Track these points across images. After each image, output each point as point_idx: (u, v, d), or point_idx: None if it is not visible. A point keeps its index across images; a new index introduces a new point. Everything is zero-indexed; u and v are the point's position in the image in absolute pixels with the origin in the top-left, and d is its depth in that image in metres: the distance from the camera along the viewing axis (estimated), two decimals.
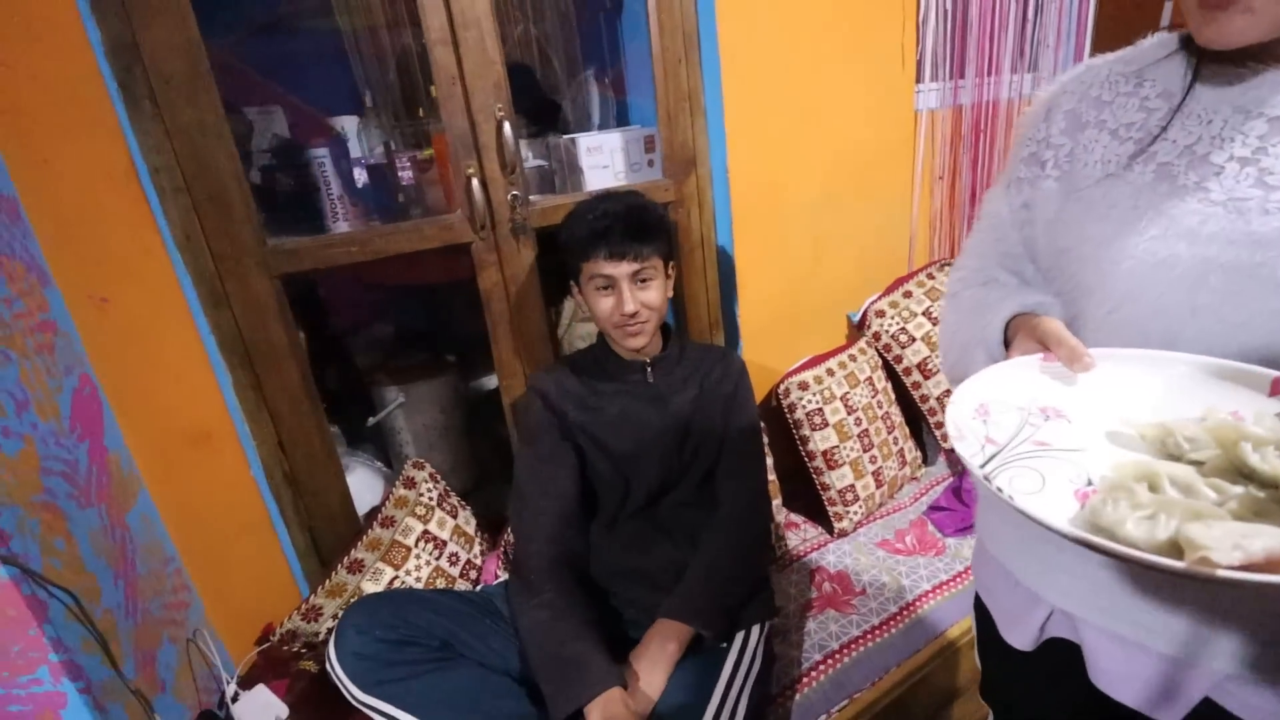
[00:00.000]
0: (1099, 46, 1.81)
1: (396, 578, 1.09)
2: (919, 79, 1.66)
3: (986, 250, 0.74)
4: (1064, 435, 0.52)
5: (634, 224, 1.05)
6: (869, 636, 1.23)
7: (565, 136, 1.43)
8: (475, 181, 1.16)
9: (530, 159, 1.57)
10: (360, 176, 1.47)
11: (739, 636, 1.02)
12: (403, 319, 1.81)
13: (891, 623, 1.25)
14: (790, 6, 1.39)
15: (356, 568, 1.09)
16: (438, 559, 1.14)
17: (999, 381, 0.56)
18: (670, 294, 1.16)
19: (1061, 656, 0.74)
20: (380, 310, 1.82)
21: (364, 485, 1.40)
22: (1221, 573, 0.34)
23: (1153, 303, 0.54)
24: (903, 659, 1.19)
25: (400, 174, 1.50)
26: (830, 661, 1.18)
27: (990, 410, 0.54)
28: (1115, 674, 0.69)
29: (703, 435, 1.15)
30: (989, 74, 1.74)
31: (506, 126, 1.15)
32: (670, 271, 1.16)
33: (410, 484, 1.20)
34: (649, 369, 1.16)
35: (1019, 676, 0.80)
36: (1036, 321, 0.57)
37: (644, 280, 1.08)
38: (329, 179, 1.27)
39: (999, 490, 0.44)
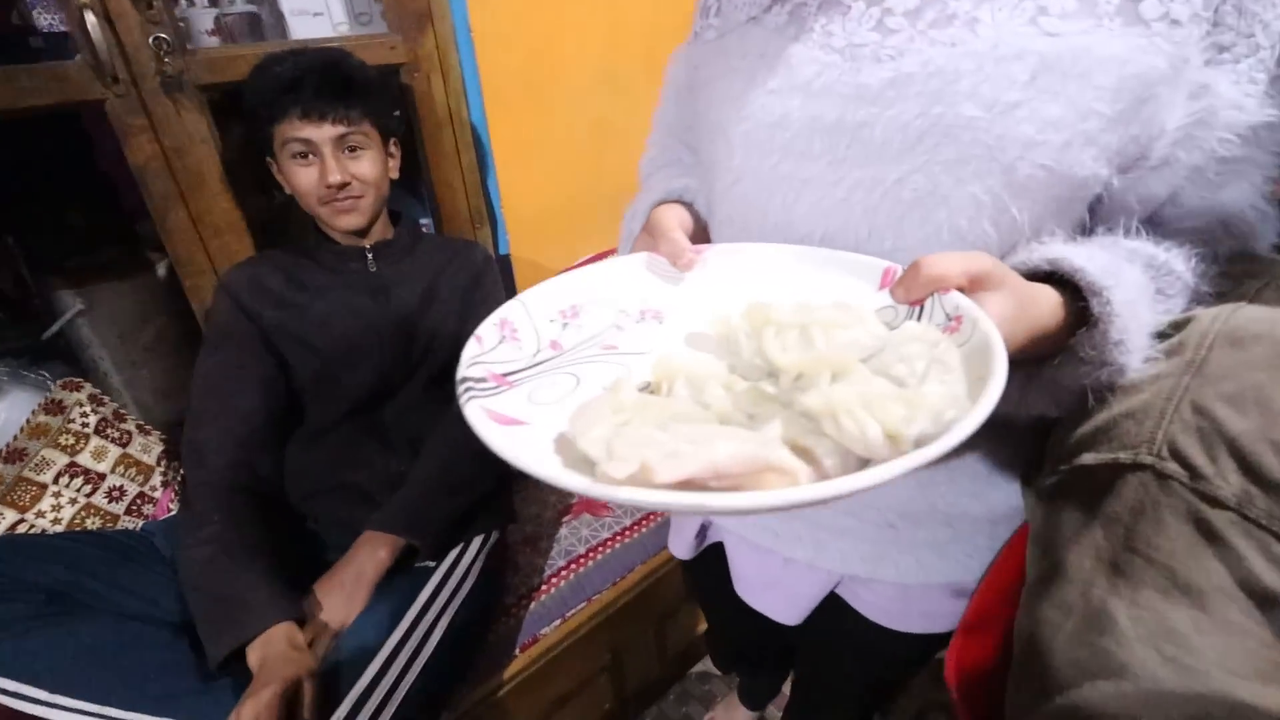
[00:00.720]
0: None
1: (22, 521, 0.89)
2: None
3: (670, 123, 0.65)
4: (642, 338, 0.44)
5: (335, 79, 0.91)
6: (618, 538, 1.22)
7: None
8: (91, 16, 0.87)
9: (239, 3, 1.26)
10: None
11: (453, 552, 0.95)
12: (94, 204, 1.46)
13: (642, 524, 1.25)
14: None
15: None
16: (90, 495, 0.95)
17: (606, 279, 0.47)
18: (395, 175, 1.04)
19: (719, 564, 0.72)
20: (66, 192, 1.46)
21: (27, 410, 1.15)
22: (620, 492, 0.27)
23: (768, 173, 0.47)
24: (647, 557, 1.20)
25: (35, 14, 1.15)
26: (574, 566, 1.16)
27: (581, 311, 0.45)
28: (750, 580, 0.69)
29: (433, 333, 1.04)
30: None
31: None
32: (393, 148, 1.03)
33: (56, 409, 0.98)
34: (369, 256, 1.03)
35: (694, 584, 0.80)
36: (657, 212, 0.50)
37: (353, 149, 0.94)
38: None
39: (466, 406, 0.34)
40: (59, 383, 1.01)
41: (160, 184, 1.00)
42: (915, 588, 0.57)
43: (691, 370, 0.36)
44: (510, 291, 1.19)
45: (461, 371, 0.38)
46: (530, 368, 0.41)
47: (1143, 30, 0.38)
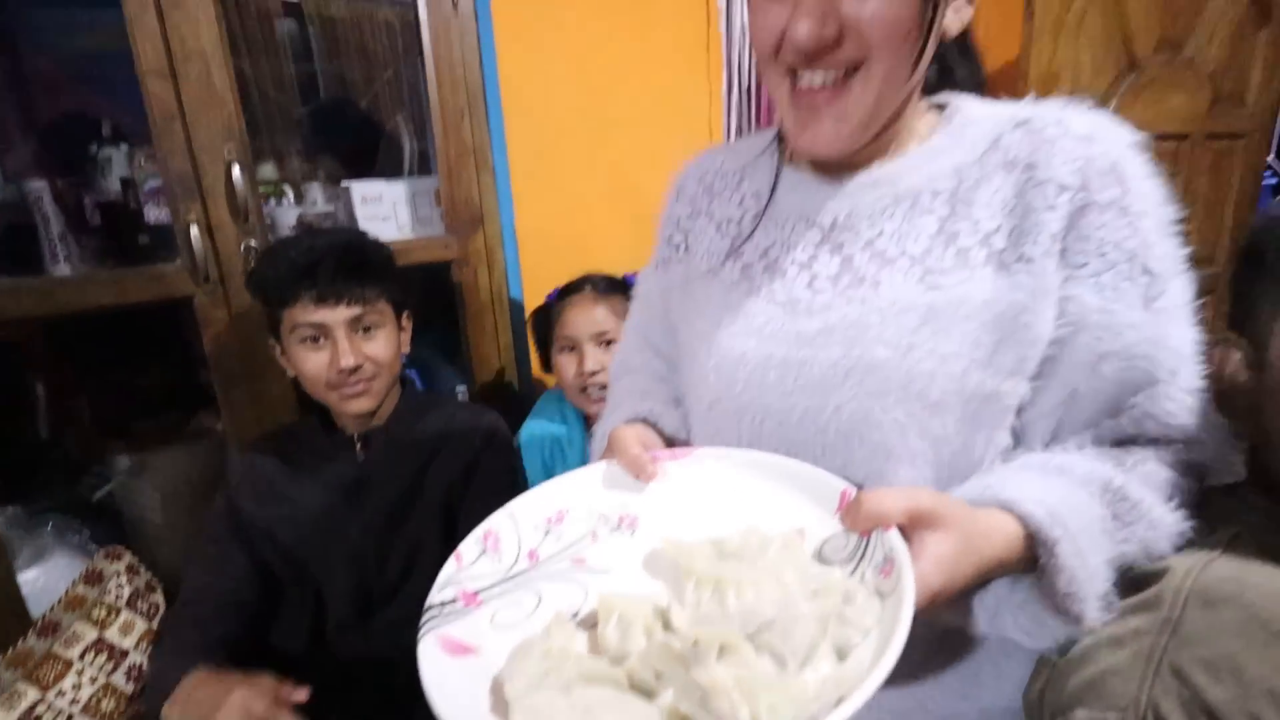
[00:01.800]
0: None
1: (41, 701, 0.89)
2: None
3: (636, 329, 0.73)
4: (610, 552, 0.48)
5: (350, 260, 0.90)
6: None
7: (343, 183, 1.32)
8: (195, 229, 1.03)
9: (320, 203, 1.45)
10: (94, 213, 1.30)
11: None
12: (161, 373, 1.59)
13: None
14: (583, 69, 1.38)
15: None
16: (110, 673, 0.94)
17: (591, 484, 0.52)
18: (406, 348, 1.01)
19: None
20: (135, 362, 1.60)
21: (66, 575, 1.18)
22: None
23: (735, 399, 0.54)
24: None
25: (145, 209, 1.34)
26: None
27: (566, 517, 0.50)
28: None
29: (425, 525, 0.96)
30: None
31: (236, 170, 1.03)
32: (405, 322, 1.01)
33: (95, 579, 1.01)
34: (358, 445, 0.97)
35: None
36: (618, 432, 0.56)
37: (368, 329, 0.92)
38: (48, 215, 1.10)
39: (422, 640, 0.39)
40: (101, 551, 1.05)
41: (228, 365, 1.10)
42: None
43: (624, 612, 0.39)
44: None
45: (432, 597, 0.43)
46: (502, 582, 0.45)
47: (1005, 273, 0.47)
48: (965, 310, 0.46)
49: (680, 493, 0.50)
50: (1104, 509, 0.42)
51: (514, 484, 1.05)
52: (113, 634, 0.97)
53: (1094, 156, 0.46)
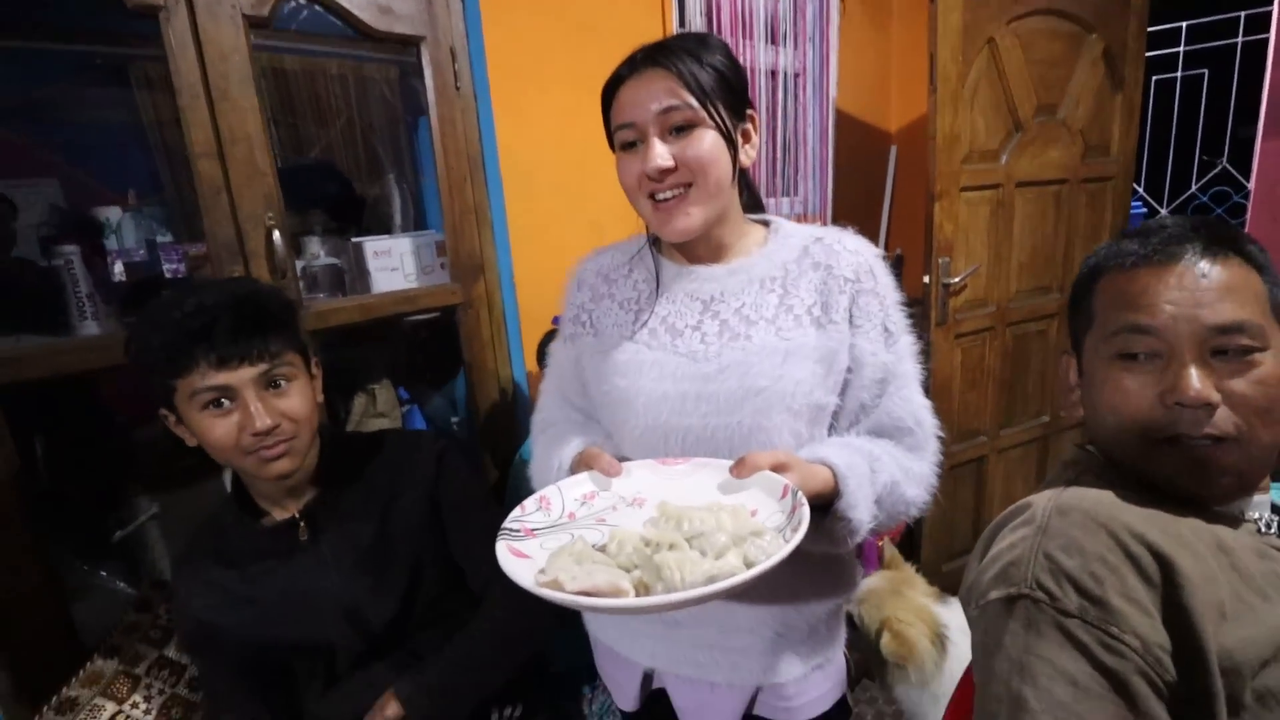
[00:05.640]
0: (840, 178, 2.24)
1: (120, 713, 0.98)
2: None
3: (557, 391, 0.94)
4: (623, 517, 0.68)
5: (250, 313, 0.81)
6: None
7: (354, 239, 1.48)
8: None
9: (322, 256, 1.59)
10: (120, 272, 1.41)
11: None
12: None
13: None
14: (568, 138, 1.59)
15: (68, 707, 0.97)
16: (174, 685, 1.04)
17: (605, 480, 0.73)
18: (320, 397, 0.92)
19: (664, 710, 0.89)
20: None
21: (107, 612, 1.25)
22: (562, 595, 0.52)
23: (662, 426, 0.76)
24: None
25: (167, 268, 1.45)
26: None
27: (597, 497, 0.71)
28: (692, 711, 0.86)
29: (410, 557, 0.95)
30: None
31: (276, 235, 1.19)
32: (316, 369, 0.92)
33: (145, 606, 1.10)
34: (301, 524, 0.90)
35: None
36: (584, 452, 0.77)
37: (277, 384, 0.84)
38: (77, 276, 1.21)
39: (498, 543, 0.61)
40: (149, 581, 1.14)
41: None
42: (809, 677, 0.82)
43: (623, 538, 0.61)
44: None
45: (505, 523, 0.64)
46: (550, 527, 0.66)
47: (822, 330, 0.74)
48: (804, 352, 0.73)
49: (675, 486, 0.70)
50: (867, 465, 0.71)
51: (480, 479, 1.10)
52: (170, 651, 1.07)
53: (859, 262, 0.76)
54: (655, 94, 0.70)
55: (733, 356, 0.74)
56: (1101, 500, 0.58)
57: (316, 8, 1.23)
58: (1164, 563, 0.53)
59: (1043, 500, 0.61)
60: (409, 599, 0.96)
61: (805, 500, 0.59)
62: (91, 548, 1.44)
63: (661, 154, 0.71)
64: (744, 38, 1.91)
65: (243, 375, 0.79)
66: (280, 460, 0.84)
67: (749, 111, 0.77)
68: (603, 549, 0.61)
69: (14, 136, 1.52)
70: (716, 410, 0.73)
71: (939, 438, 0.80)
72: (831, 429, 0.78)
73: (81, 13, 1.01)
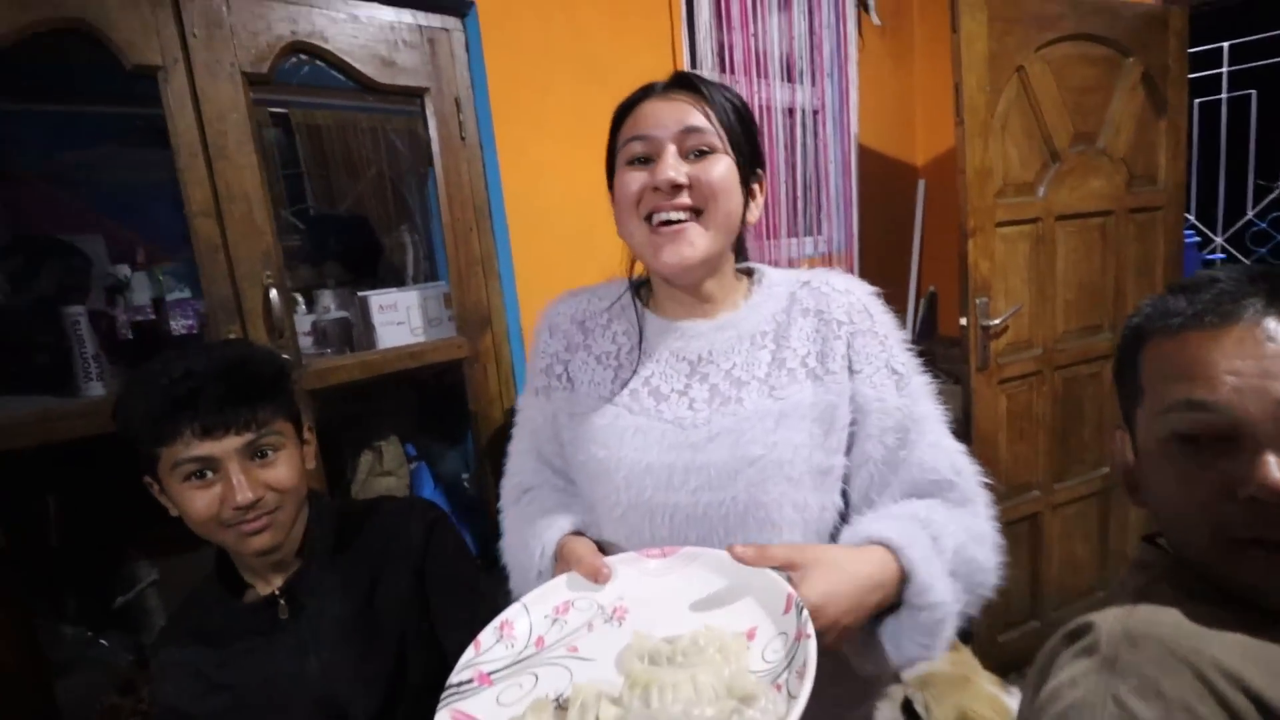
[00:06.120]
0: (866, 215, 2.15)
1: None
2: None
3: (531, 451, 0.82)
4: (598, 642, 0.57)
5: (238, 381, 0.77)
6: None
7: (360, 293, 1.44)
8: None
9: (332, 310, 1.57)
10: (127, 332, 1.39)
11: None
12: None
13: None
14: (573, 187, 1.54)
15: None
16: None
17: (585, 584, 0.62)
18: (312, 464, 0.88)
19: None
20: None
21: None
22: None
23: (647, 502, 0.66)
24: None
25: (182, 324, 1.44)
26: None
27: (572, 607, 0.61)
28: None
29: (395, 636, 0.88)
30: (768, 237, 2.00)
31: (274, 293, 1.15)
32: (308, 434, 0.89)
33: (129, 688, 1.04)
34: (281, 602, 0.84)
35: None
36: (570, 543, 0.68)
37: (264, 454, 0.79)
38: (83, 336, 1.19)
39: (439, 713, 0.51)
40: (134, 660, 1.08)
41: None
42: None
43: (586, 699, 0.50)
44: None
45: (451, 679, 0.54)
46: (511, 665, 0.56)
47: (819, 383, 0.67)
48: (800, 411, 0.66)
49: (663, 588, 0.60)
50: (924, 532, 0.60)
51: (470, 560, 0.99)
52: None
53: (851, 302, 0.70)
54: (682, 112, 0.66)
55: (723, 423, 0.67)
56: (1182, 627, 0.47)
57: (319, 63, 1.22)
58: (1267, 712, 0.41)
59: (1109, 622, 0.49)
60: (392, 689, 0.88)
61: (812, 628, 0.48)
62: (94, 613, 1.40)
63: (676, 167, 0.64)
64: (759, 77, 1.87)
65: (227, 445, 0.76)
66: (261, 535, 0.79)
67: (759, 171, 0.73)
68: (565, 705, 0.51)
69: (62, 194, 1.56)
70: (708, 484, 0.65)
71: (985, 485, 0.69)
72: (844, 497, 0.69)
73: (128, 80, 1.05)
